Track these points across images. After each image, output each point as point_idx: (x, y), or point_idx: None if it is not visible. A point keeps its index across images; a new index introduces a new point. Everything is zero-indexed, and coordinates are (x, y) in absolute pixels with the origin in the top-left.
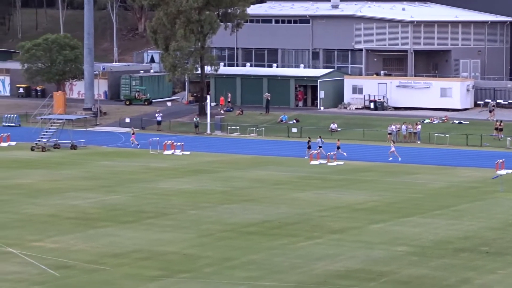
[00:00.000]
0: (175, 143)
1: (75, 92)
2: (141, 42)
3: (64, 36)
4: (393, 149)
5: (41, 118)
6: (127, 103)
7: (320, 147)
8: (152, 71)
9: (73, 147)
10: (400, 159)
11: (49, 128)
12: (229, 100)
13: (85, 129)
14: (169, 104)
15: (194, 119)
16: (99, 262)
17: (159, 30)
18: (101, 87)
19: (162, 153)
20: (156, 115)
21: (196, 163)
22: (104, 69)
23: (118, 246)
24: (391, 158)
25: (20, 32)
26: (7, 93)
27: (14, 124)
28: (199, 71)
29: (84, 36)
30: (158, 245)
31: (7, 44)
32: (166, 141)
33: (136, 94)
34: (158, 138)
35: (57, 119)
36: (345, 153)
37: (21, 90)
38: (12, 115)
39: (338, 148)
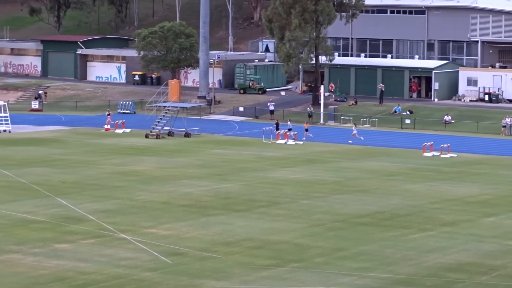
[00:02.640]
0: (288, 133)
1: (190, 80)
2: (256, 31)
3: (180, 24)
4: None
5: (156, 106)
6: (241, 92)
7: (289, 129)
8: (266, 60)
9: (187, 135)
10: None
11: (164, 116)
12: (331, 90)
13: (199, 117)
14: (283, 93)
15: (308, 108)
16: (211, 250)
17: (275, 19)
18: (216, 75)
19: (275, 142)
20: (269, 104)
21: (308, 153)
22: (219, 57)
23: (230, 234)
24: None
25: (137, 19)
26: (123, 80)
27: (129, 111)
28: (313, 61)
29: (200, 25)
30: (269, 234)
31: (124, 31)
32: (279, 131)
33: (250, 83)
34: (271, 128)
35: (172, 106)
36: (362, 137)
37: (136, 78)
38: (127, 102)
39: (306, 130)
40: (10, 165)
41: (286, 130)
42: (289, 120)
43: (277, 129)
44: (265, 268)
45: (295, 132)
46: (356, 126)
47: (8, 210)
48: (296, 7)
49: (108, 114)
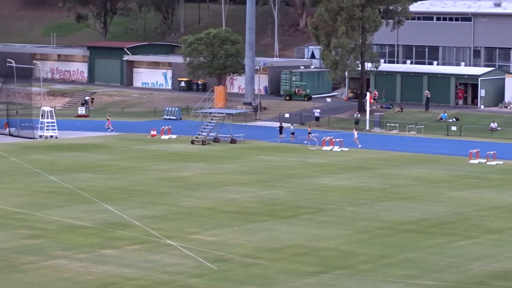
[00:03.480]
0: (333, 139)
1: (236, 86)
2: (302, 38)
3: (226, 30)
4: None
5: (202, 112)
6: (287, 98)
7: (292, 133)
8: (312, 66)
9: (233, 141)
10: None
11: (210, 122)
12: (375, 97)
13: (244, 124)
14: (328, 100)
15: (355, 115)
16: (256, 256)
17: (321, 26)
18: (262, 82)
19: (321, 149)
20: (314, 110)
21: (354, 160)
22: (264, 64)
23: (275, 240)
24: None
25: (183, 26)
26: (169, 86)
27: (175, 117)
28: (359, 68)
29: (246, 31)
30: (315, 241)
31: (170, 38)
32: (325, 137)
33: (296, 90)
34: (317, 134)
35: (218, 113)
36: (360, 145)
37: (182, 84)
38: (173, 108)
39: (309, 133)
40: (56, 171)
41: (290, 136)
42: (292, 124)
43: (281, 132)
44: (310, 275)
45: (341, 139)
46: (356, 131)
47: (55, 216)
48: (342, 14)
49: (108, 119)
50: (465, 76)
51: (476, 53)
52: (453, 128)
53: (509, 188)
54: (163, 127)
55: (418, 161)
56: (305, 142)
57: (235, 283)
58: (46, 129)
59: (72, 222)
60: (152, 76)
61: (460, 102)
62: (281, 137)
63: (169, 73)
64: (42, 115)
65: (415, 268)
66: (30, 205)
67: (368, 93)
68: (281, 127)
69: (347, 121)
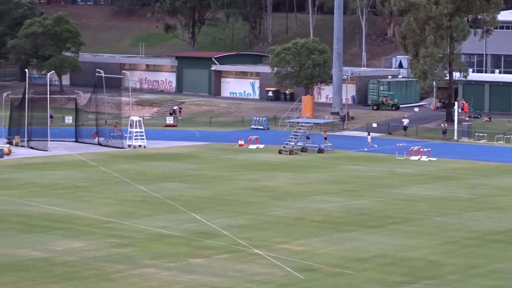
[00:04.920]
0: (421, 149)
1: (323, 96)
2: (390, 47)
3: (313, 40)
4: None
5: (289, 122)
6: (375, 108)
7: (308, 137)
8: (400, 76)
9: (320, 151)
10: None
11: (297, 132)
12: (462, 107)
13: (332, 133)
14: (416, 109)
15: (442, 125)
16: (344, 266)
17: (408, 35)
18: (349, 91)
19: (409, 158)
20: (403, 120)
21: (442, 170)
22: (352, 73)
23: (362, 250)
24: None
25: (271, 36)
26: (257, 96)
27: (262, 127)
28: (447, 77)
29: (334, 41)
30: (402, 251)
31: (258, 47)
32: (412, 147)
33: (384, 99)
34: (404, 144)
35: (305, 122)
36: (376, 145)
37: (270, 93)
38: (261, 118)
39: (325, 139)
40: (145, 180)
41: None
42: (307, 130)
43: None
44: (398, 285)
45: (429, 149)
46: (370, 135)
47: (143, 225)
48: (430, 23)
49: (115, 126)
50: None
51: None
52: None
53: None
54: (251, 136)
55: (507, 171)
56: (322, 146)
57: None
58: (135, 139)
59: (160, 231)
60: (239, 86)
61: None
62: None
63: (257, 83)
64: (130, 125)
65: (504, 279)
66: (119, 214)
67: (457, 102)
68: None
69: (434, 131)
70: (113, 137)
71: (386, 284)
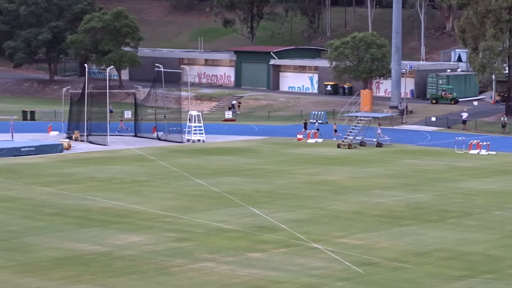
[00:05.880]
0: (481, 143)
1: (382, 90)
2: (449, 41)
3: (372, 34)
4: None
5: (348, 116)
6: (433, 101)
7: (317, 129)
8: (459, 70)
9: (379, 145)
10: None
11: (356, 126)
12: None
13: (391, 127)
14: (475, 103)
15: (502, 118)
16: (403, 260)
17: (468, 29)
18: (408, 85)
19: (468, 152)
20: (462, 114)
21: (501, 163)
22: (411, 67)
23: (421, 244)
24: None
25: (329, 30)
26: (315, 90)
27: (321, 121)
28: (506, 71)
29: (392, 35)
30: (461, 245)
31: (316, 42)
32: (471, 141)
33: (443, 93)
34: (463, 138)
35: (364, 116)
36: (386, 137)
37: (328, 88)
38: (319, 112)
39: (335, 131)
40: (204, 174)
41: (315, 130)
42: (317, 121)
43: (305, 128)
44: (457, 279)
45: (488, 142)
46: (380, 125)
47: (202, 219)
48: (490, 16)
49: (121, 121)
50: None
51: None
52: None
53: None
54: (310, 130)
55: None
56: (334, 138)
57: (382, 287)
58: (194, 133)
59: (219, 226)
60: (298, 80)
61: None
62: (304, 132)
63: (315, 77)
64: (189, 119)
65: None
66: (178, 209)
67: None
68: (305, 123)
69: (494, 125)
70: (118, 131)
71: (445, 278)
